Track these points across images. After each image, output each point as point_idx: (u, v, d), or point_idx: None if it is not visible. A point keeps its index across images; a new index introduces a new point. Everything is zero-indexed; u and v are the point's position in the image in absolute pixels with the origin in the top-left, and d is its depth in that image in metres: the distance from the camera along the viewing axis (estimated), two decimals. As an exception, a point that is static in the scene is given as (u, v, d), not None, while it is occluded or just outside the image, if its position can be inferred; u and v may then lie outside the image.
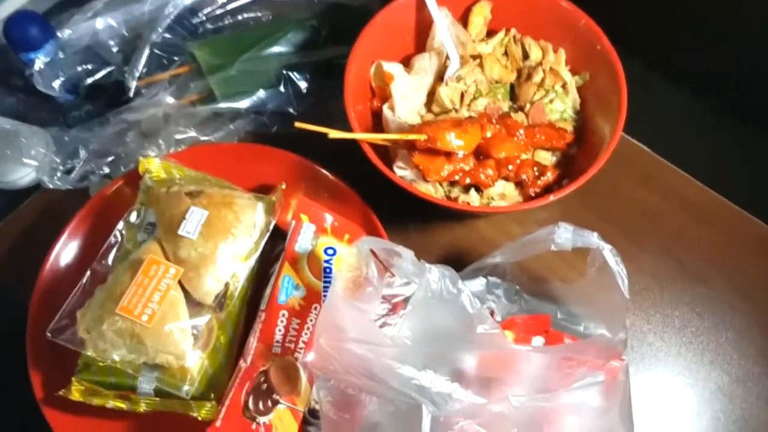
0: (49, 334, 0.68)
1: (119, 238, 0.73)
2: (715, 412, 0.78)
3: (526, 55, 0.87)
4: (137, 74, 0.86)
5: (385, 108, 0.84)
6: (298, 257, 0.74)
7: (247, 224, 0.72)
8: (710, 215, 0.86)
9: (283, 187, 0.78)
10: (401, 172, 0.80)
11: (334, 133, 0.74)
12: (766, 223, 0.86)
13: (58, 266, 0.77)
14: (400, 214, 0.82)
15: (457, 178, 0.78)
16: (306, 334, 0.70)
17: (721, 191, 0.87)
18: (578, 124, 0.85)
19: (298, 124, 0.74)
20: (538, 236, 0.69)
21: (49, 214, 0.85)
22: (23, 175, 0.85)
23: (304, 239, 0.75)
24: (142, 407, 0.69)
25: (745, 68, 0.95)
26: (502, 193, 0.81)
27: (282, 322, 0.70)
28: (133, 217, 0.74)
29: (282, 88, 0.88)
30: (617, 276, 0.66)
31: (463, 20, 0.88)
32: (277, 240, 0.76)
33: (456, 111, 0.84)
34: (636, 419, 0.66)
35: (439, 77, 0.86)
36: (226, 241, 0.70)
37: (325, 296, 0.72)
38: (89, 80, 0.89)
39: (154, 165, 0.76)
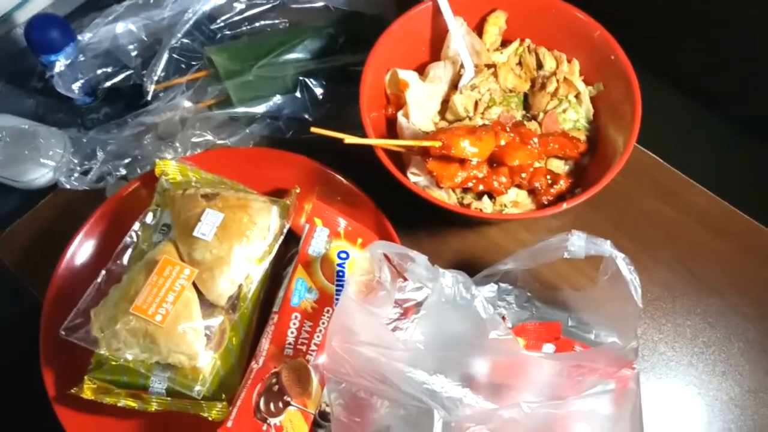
0: (62, 333, 0.68)
1: (134, 239, 0.74)
2: (726, 423, 0.77)
3: (540, 65, 0.87)
4: (155, 78, 0.86)
5: (400, 115, 0.84)
6: (312, 260, 0.74)
7: (262, 227, 0.72)
8: (722, 226, 0.86)
9: (298, 191, 0.78)
10: (415, 179, 0.80)
11: (349, 139, 0.74)
12: (779, 234, 0.86)
13: (73, 265, 0.77)
14: (413, 220, 0.83)
15: (470, 185, 0.78)
16: (318, 336, 0.70)
17: (734, 202, 0.87)
18: (591, 134, 0.85)
19: (314, 130, 0.75)
20: (551, 243, 0.69)
21: (65, 214, 0.86)
22: (41, 175, 0.86)
23: (318, 243, 0.75)
24: (154, 407, 0.69)
25: (759, 79, 0.95)
26: (515, 201, 0.81)
27: (294, 324, 0.71)
28: (148, 218, 0.74)
29: (298, 94, 0.89)
30: (630, 285, 0.66)
31: (478, 30, 0.89)
32: (290, 243, 0.77)
33: (470, 119, 0.84)
34: (646, 428, 0.66)
35: (454, 85, 0.87)
36: (240, 244, 0.71)
37: (337, 299, 0.72)
38: (108, 83, 0.90)
39: (170, 167, 0.77)
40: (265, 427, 0.66)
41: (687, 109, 0.99)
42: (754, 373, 0.79)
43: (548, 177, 0.80)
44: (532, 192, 0.81)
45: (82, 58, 0.88)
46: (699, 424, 0.77)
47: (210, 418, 0.68)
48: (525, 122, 0.85)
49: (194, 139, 0.86)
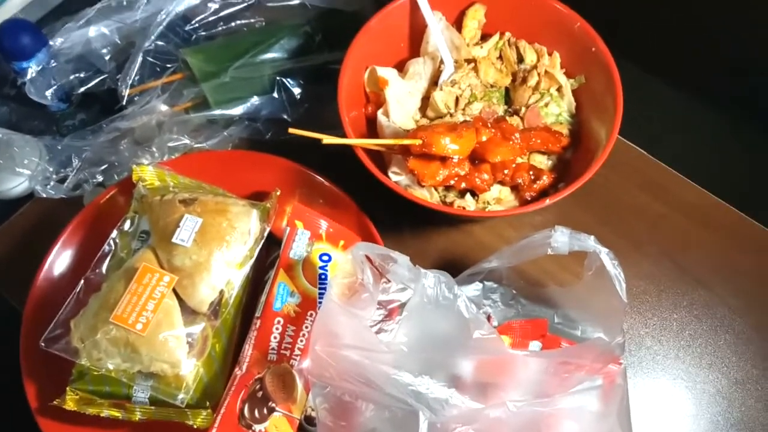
0: (42, 344, 0.67)
1: (113, 247, 0.73)
2: (713, 415, 0.77)
3: (520, 59, 0.87)
4: (130, 82, 0.85)
5: (380, 113, 0.83)
6: (293, 264, 0.73)
7: (242, 231, 0.72)
8: (708, 218, 0.86)
9: (278, 193, 0.77)
10: (396, 178, 0.80)
11: (328, 139, 0.74)
12: (764, 225, 0.86)
13: (52, 275, 0.76)
14: (396, 220, 0.82)
15: (452, 182, 0.77)
16: (301, 341, 0.70)
17: (719, 194, 0.87)
18: (574, 128, 0.85)
19: (292, 130, 0.74)
20: (535, 240, 0.68)
21: (42, 223, 0.85)
22: (16, 184, 0.85)
23: (299, 246, 0.74)
24: (138, 416, 0.68)
25: (742, 69, 0.94)
26: (498, 198, 0.81)
27: (277, 329, 0.70)
28: (126, 225, 0.74)
29: (276, 95, 0.87)
30: (615, 279, 0.65)
31: (458, 24, 0.88)
32: (271, 247, 0.76)
33: (451, 115, 0.83)
34: (634, 423, 0.66)
35: (434, 82, 0.86)
36: (220, 249, 0.70)
37: (320, 303, 0.72)
38: (82, 88, 0.89)
39: (147, 173, 0.76)
40: (250, 435, 0.65)
41: (671, 100, 0.99)
42: (741, 364, 0.79)
43: (531, 172, 0.80)
44: (515, 188, 0.81)
45: (55, 64, 0.87)
46: (687, 417, 0.77)
47: (195, 426, 0.68)
48: (507, 117, 0.84)
49: (171, 144, 0.85)
